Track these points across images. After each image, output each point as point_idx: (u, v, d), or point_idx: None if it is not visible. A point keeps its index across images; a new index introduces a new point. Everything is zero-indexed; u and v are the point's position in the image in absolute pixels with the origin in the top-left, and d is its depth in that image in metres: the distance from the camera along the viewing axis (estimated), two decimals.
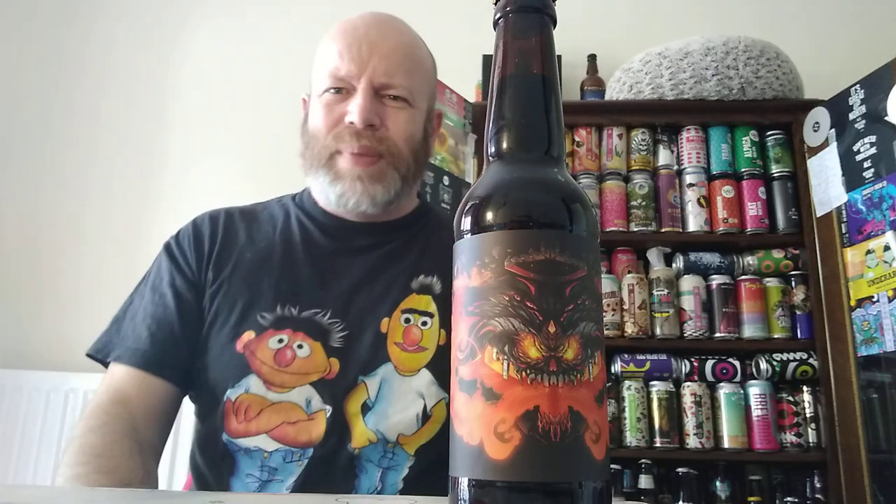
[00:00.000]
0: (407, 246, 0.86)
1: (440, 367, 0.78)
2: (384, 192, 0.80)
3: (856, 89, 1.67)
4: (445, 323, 0.81)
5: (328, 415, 0.74)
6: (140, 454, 0.72)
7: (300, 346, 0.77)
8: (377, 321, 0.79)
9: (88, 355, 0.80)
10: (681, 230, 1.85)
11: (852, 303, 1.63)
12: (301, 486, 0.73)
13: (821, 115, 1.77)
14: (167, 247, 0.85)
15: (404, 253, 0.85)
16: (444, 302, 0.82)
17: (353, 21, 0.83)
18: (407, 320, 0.80)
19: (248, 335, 0.77)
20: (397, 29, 0.84)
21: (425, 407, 0.76)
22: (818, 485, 1.67)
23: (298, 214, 0.88)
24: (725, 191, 1.85)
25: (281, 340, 0.77)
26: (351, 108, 0.79)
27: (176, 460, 1.85)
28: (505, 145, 0.38)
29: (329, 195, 0.81)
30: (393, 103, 0.81)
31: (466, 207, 0.37)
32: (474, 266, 0.34)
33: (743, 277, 1.81)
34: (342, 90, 0.80)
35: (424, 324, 0.80)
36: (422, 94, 0.84)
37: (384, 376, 0.77)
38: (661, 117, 1.91)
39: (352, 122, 0.78)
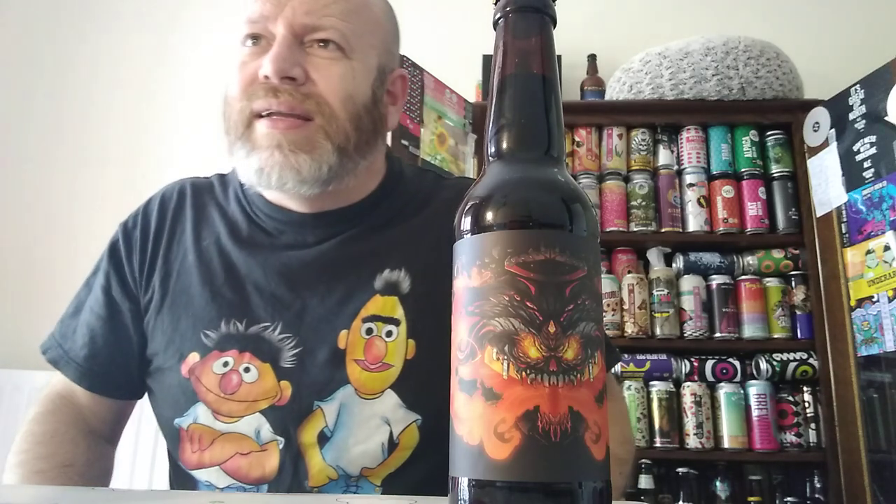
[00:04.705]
0: (368, 234, 0.72)
1: (408, 386, 0.66)
2: (312, 166, 0.64)
3: (856, 89, 1.67)
4: (414, 331, 0.68)
5: (280, 447, 0.66)
6: (85, 439, 0.70)
7: (247, 370, 0.67)
8: (334, 334, 0.67)
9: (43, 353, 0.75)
10: (681, 230, 1.85)
11: (852, 303, 1.63)
12: None
13: (821, 115, 1.77)
14: (112, 244, 0.76)
15: (365, 243, 0.71)
16: (414, 303, 0.69)
17: None
18: (369, 331, 0.67)
19: (193, 357, 0.68)
20: None
21: (391, 434, 0.65)
22: (818, 485, 1.67)
23: (240, 201, 0.75)
24: (725, 191, 1.85)
25: (226, 364, 0.67)
26: (265, 58, 0.64)
27: None
28: (505, 145, 0.38)
29: (247, 172, 0.66)
30: (322, 52, 0.65)
31: (466, 207, 0.37)
32: (474, 266, 0.34)
33: (743, 277, 1.81)
34: (260, 38, 0.66)
35: (389, 334, 0.67)
36: (364, 44, 0.68)
37: (343, 401, 0.66)
38: (661, 117, 1.91)
39: (266, 77, 0.63)
